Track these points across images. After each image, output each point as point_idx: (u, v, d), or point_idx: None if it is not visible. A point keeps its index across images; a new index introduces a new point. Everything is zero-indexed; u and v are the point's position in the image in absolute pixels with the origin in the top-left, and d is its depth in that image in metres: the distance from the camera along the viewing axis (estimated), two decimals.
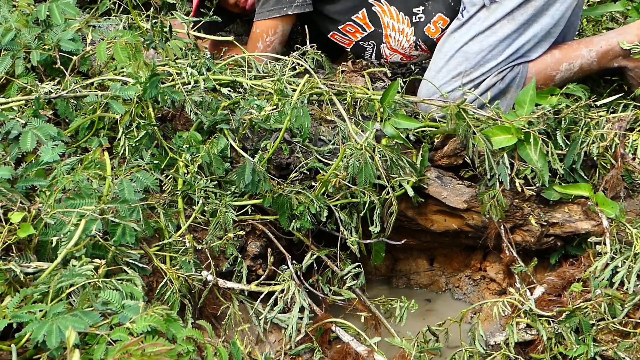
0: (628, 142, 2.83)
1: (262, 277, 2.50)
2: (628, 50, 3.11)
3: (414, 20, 3.25)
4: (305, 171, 2.72)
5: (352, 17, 3.31)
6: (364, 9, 3.29)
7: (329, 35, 3.41)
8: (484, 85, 3.06)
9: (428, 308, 3.11)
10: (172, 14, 3.25)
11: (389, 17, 3.27)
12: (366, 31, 3.32)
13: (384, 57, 3.37)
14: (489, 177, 2.71)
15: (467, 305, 3.04)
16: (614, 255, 2.53)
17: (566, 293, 2.51)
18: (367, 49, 3.37)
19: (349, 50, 3.42)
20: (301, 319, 2.47)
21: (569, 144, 2.76)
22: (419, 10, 3.23)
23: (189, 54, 2.95)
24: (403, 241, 2.75)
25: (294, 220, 2.57)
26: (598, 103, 3.04)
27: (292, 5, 3.20)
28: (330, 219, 2.65)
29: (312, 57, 3.04)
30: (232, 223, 2.50)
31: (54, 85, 2.67)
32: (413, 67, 3.43)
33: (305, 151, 2.75)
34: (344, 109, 2.80)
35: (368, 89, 2.97)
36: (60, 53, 2.73)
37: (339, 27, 3.36)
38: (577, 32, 3.58)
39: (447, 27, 3.23)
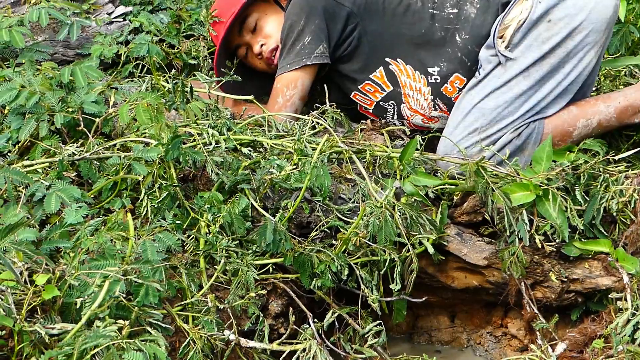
0: None
1: (284, 336, 2.49)
2: None
3: (430, 80, 3.29)
4: (325, 230, 2.73)
5: (370, 76, 3.35)
6: (381, 67, 3.33)
7: (351, 96, 3.45)
8: (501, 143, 3.08)
9: None
10: (194, 74, 3.30)
11: (406, 76, 3.31)
12: (385, 90, 3.36)
13: (406, 118, 3.39)
14: (508, 233, 2.71)
15: None
16: (635, 311, 2.51)
17: (588, 349, 2.50)
18: (389, 109, 3.40)
19: (371, 111, 3.45)
20: None
21: (588, 199, 2.76)
22: (434, 71, 3.27)
23: (209, 114, 2.99)
24: (424, 298, 2.75)
25: (315, 279, 2.58)
26: (616, 157, 3.04)
27: (310, 56, 3.26)
28: (351, 277, 2.65)
29: (331, 116, 3.07)
30: (254, 282, 2.50)
31: (77, 147, 2.71)
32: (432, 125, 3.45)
33: (325, 210, 2.77)
34: (364, 167, 2.82)
35: (387, 147, 3.00)
36: (83, 115, 2.77)
37: (359, 87, 3.39)
38: (594, 89, 3.60)
39: (464, 87, 3.25)
